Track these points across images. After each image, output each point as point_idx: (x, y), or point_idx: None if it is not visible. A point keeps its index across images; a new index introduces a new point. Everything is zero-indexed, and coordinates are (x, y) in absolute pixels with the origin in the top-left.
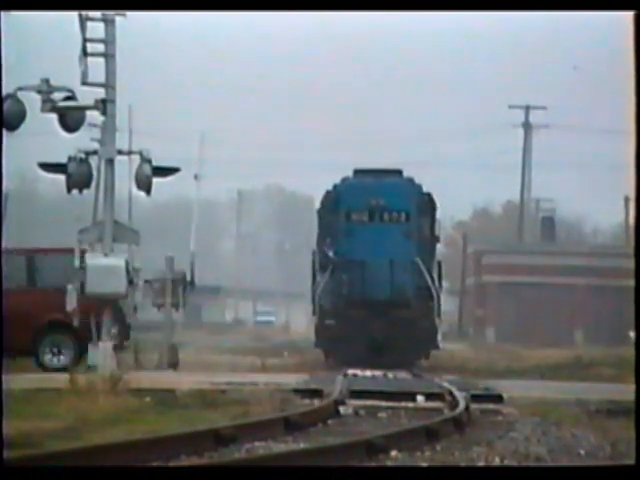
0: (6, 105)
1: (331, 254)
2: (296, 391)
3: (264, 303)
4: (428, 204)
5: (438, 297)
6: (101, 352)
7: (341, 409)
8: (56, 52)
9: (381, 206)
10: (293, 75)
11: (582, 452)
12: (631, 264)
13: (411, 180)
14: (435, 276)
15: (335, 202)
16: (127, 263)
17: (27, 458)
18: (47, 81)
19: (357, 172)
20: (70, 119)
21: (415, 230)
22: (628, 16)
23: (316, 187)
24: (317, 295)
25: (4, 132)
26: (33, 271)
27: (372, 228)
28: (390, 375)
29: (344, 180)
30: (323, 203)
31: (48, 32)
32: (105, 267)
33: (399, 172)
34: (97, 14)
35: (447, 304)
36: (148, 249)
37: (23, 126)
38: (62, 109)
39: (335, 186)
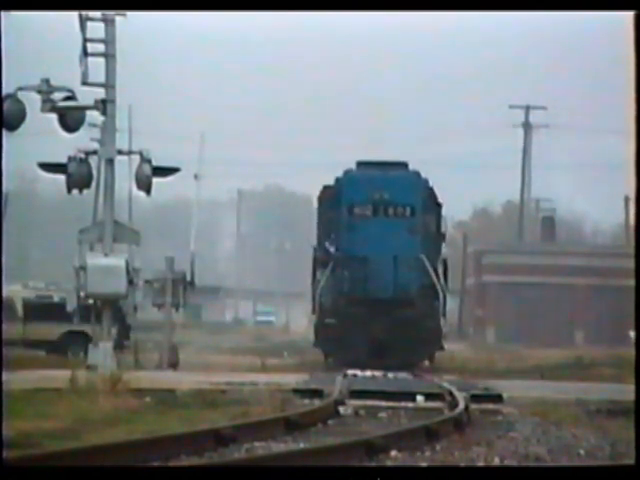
0: (6, 105)
1: (332, 250)
2: (296, 391)
3: (264, 303)
4: (434, 199)
5: (444, 296)
6: (101, 352)
7: (341, 409)
8: (56, 52)
9: (385, 200)
10: (293, 75)
11: (582, 452)
12: (631, 264)
13: (417, 173)
14: (441, 274)
15: (337, 195)
16: (127, 263)
17: (27, 458)
18: (47, 81)
19: (360, 164)
20: (70, 119)
21: (420, 225)
22: (628, 16)
23: (316, 187)
24: (317, 293)
25: (4, 132)
26: None
27: (375, 223)
28: (390, 375)
29: (346, 172)
30: (321, 198)
31: (48, 32)
32: (105, 267)
33: (404, 165)
34: (97, 14)
35: (447, 304)
36: (148, 249)
37: (23, 126)
38: (62, 109)
39: (337, 179)
